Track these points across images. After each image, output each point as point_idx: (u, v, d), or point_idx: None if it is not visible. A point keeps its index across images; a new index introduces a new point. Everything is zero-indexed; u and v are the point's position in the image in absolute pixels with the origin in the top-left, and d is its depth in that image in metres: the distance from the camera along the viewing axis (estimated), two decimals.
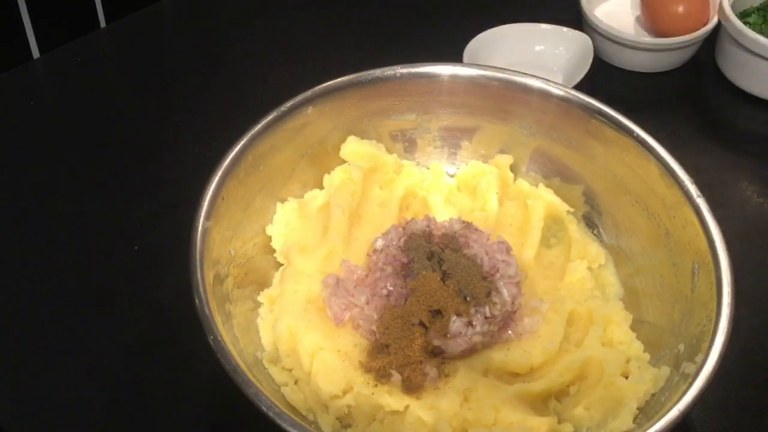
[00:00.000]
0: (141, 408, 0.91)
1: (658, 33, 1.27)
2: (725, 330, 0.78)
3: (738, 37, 1.19)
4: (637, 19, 1.32)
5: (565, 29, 1.26)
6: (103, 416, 0.90)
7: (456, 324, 0.83)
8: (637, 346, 0.87)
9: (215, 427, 0.90)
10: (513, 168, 1.02)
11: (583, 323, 0.89)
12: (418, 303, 0.84)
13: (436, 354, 0.85)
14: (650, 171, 0.91)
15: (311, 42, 1.32)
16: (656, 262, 0.92)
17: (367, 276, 0.90)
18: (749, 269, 1.02)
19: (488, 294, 0.85)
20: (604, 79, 1.27)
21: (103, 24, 1.31)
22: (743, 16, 1.23)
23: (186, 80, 1.26)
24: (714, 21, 1.23)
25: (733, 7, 1.21)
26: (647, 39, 1.25)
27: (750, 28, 1.19)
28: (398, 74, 0.98)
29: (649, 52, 1.25)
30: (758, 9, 1.24)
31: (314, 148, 0.99)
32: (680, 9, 1.23)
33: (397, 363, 0.83)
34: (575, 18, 1.29)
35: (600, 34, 1.25)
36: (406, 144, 1.04)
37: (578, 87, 1.12)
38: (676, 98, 1.26)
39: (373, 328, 0.86)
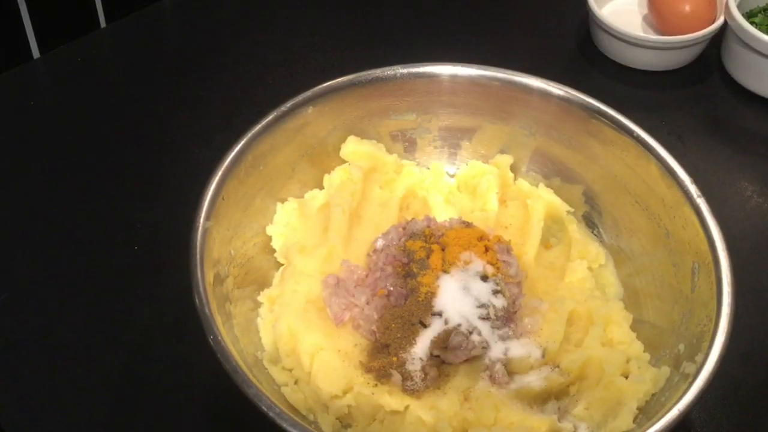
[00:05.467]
0: (141, 408, 0.90)
1: (664, 31, 1.27)
2: (725, 330, 0.78)
3: (744, 37, 1.19)
4: (644, 17, 1.32)
5: None
6: (103, 416, 0.90)
7: (457, 338, 0.83)
8: (637, 346, 0.87)
9: (215, 427, 0.90)
10: (513, 168, 1.02)
11: (583, 323, 0.89)
12: (418, 303, 0.84)
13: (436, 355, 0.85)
14: (650, 171, 0.91)
15: (311, 42, 1.32)
16: (656, 262, 0.92)
17: (367, 276, 0.90)
18: (749, 269, 1.02)
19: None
20: (610, 77, 1.27)
21: (103, 24, 1.31)
22: (749, 16, 1.23)
23: (186, 80, 1.26)
24: (720, 20, 1.23)
25: (739, 7, 1.21)
26: (654, 37, 1.25)
27: (756, 28, 1.19)
28: (398, 74, 0.98)
29: (655, 50, 1.25)
30: (764, 9, 1.25)
31: (314, 148, 0.99)
32: (687, 8, 1.23)
33: (397, 363, 0.83)
34: (582, 16, 1.29)
35: (607, 32, 1.25)
36: (406, 144, 1.04)
37: (580, 87, 1.12)
38: (681, 97, 1.26)
39: (373, 328, 0.86)
